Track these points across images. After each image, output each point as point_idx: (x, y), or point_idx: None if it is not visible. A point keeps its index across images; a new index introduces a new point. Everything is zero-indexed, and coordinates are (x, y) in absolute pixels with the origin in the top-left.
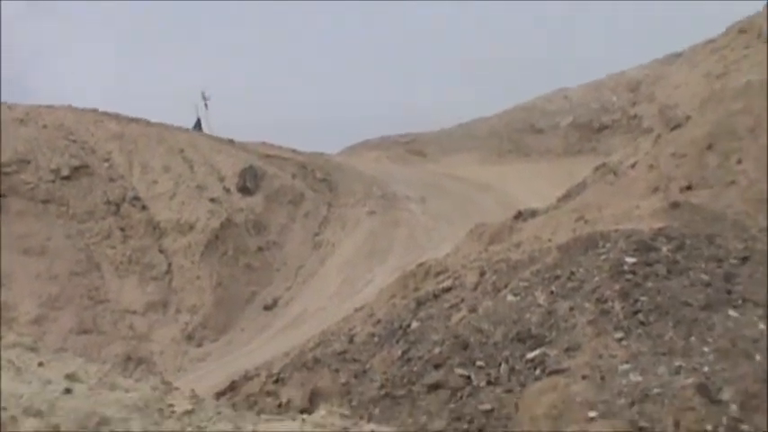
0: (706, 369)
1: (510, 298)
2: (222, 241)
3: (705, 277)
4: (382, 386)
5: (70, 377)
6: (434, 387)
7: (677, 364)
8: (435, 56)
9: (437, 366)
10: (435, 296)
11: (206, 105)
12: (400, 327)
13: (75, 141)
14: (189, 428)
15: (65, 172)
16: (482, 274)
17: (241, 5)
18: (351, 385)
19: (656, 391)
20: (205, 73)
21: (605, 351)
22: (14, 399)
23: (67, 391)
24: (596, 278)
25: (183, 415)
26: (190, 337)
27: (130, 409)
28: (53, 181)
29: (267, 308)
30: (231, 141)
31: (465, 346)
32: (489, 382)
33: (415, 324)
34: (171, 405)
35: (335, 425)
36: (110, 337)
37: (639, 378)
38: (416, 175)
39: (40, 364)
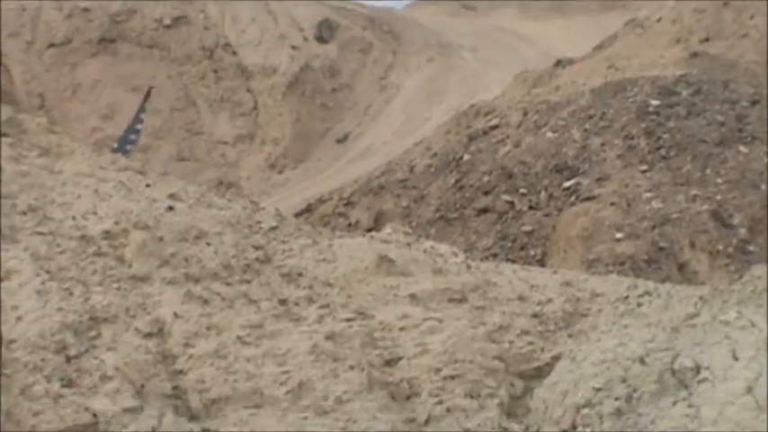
0: (719, 197)
1: (549, 134)
2: (301, 83)
3: (719, 118)
4: (437, 210)
5: (173, 196)
6: (483, 211)
7: (694, 192)
8: None
9: (485, 193)
10: (484, 133)
11: None
12: (454, 159)
13: None
14: (274, 242)
15: (166, 21)
16: (525, 113)
17: None
18: (410, 209)
19: (674, 216)
20: None
21: (631, 181)
22: (125, 215)
23: (170, 208)
24: (624, 118)
25: (269, 231)
26: (272, 166)
27: (224, 224)
28: (156, 29)
29: (339, 141)
30: None
31: (510, 176)
32: (530, 207)
33: (466, 156)
34: (258, 222)
35: (399, 241)
36: (204, 164)
37: (660, 205)
38: (469, 27)
39: (147, 185)
